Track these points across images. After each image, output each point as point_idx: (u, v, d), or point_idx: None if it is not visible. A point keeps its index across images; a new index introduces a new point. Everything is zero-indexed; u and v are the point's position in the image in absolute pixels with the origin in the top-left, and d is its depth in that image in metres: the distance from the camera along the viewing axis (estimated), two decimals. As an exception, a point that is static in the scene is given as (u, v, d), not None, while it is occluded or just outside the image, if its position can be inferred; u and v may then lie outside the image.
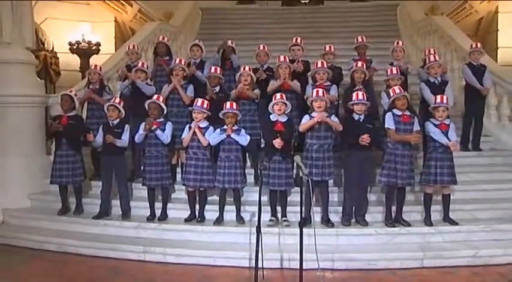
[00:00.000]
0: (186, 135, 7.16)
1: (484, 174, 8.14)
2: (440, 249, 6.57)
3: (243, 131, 7.11)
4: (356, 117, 6.97)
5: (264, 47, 8.51)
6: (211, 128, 7.14)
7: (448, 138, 6.84)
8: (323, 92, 6.94)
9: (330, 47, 8.57)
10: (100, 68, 8.53)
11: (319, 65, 7.71)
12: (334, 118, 6.96)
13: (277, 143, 6.74)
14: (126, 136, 7.38)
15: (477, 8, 13.88)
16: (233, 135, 6.99)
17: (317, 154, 6.84)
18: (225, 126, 7.03)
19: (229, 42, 8.85)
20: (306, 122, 6.88)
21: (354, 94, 7.01)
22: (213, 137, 7.05)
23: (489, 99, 9.16)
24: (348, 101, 7.20)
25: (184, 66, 8.10)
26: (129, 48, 9.03)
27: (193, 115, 7.14)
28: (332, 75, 7.83)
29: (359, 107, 6.92)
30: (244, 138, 7.06)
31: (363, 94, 6.96)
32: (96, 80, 8.30)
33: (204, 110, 7.09)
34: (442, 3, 14.54)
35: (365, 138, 6.71)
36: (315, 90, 6.99)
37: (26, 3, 8.84)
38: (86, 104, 8.53)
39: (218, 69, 8.04)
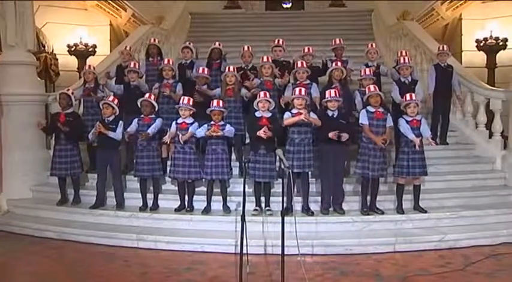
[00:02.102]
0: (173, 129, 7.08)
1: (450, 166, 8.18)
2: (410, 235, 6.60)
3: (228, 125, 7.03)
4: (330, 113, 6.93)
5: (248, 47, 8.43)
6: (196, 123, 7.08)
7: (420, 133, 6.86)
8: (304, 90, 6.91)
9: (308, 48, 8.50)
10: (93, 67, 8.49)
11: (299, 65, 7.65)
12: (312, 115, 6.90)
13: (263, 132, 6.67)
14: (119, 130, 7.29)
15: (443, 15, 13.96)
16: (220, 133, 6.90)
17: (298, 148, 6.80)
18: (212, 122, 6.97)
19: (217, 44, 8.75)
20: (288, 117, 6.83)
21: (327, 92, 6.99)
22: (199, 131, 6.96)
23: (455, 98, 9.17)
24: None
25: (172, 65, 8.06)
26: (125, 48, 8.97)
27: (180, 112, 7.09)
28: (311, 74, 7.78)
29: (332, 103, 6.90)
30: (229, 131, 6.97)
31: (335, 92, 6.95)
32: (91, 79, 8.23)
33: (190, 107, 7.04)
34: (412, 9, 14.58)
35: (332, 135, 6.69)
36: (296, 89, 6.95)
37: (28, 9, 8.76)
38: (82, 101, 8.44)
39: (206, 69, 7.97)
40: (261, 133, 6.70)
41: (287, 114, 6.91)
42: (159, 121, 7.25)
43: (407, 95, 6.98)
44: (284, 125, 6.84)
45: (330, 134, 6.70)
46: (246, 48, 8.42)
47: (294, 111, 6.85)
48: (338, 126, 6.82)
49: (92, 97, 8.08)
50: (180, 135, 6.93)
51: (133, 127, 7.21)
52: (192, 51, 8.76)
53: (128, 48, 9.00)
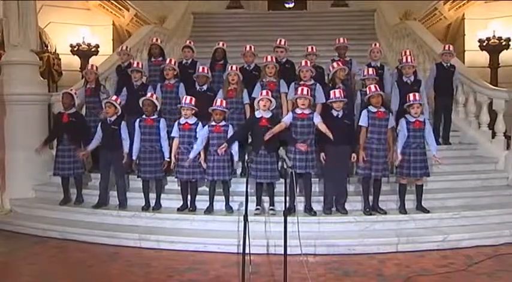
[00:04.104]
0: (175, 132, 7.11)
1: (453, 166, 8.14)
2: (413, 235, 6.59)
3: (230, 127, 7.03)
4: (335, 113, 6.92)
5: (250, 47, 8.30)
6: (200, 124, 7.08)
7: (423, 136, 6.88)
8: (307, 90, 6.87)
9: (312, 48, 8.43)
10: (96, 67, 8.46)
11: (303, 64, 7.60)
12: (316, 117, 6.88)
13: (301, 146, 6.66)
14: (125, 134, 7.31)
15: (446, 14, 13.92)
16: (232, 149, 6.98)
17: (301, 148, 6.78)
18: (212, 123, 6.98)
19: (221, 44, 8.72)
20: (288, 119, 6.82)
21: (332, 92, 6.96)
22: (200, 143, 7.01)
23: (457, 97, 9.18)
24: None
25: (174, 66, 8.03)
26: (121, 49, 8.92)
27: (182, 112, 7.08)
28: (315, 74, 7.75)
29: (337, 104, 6.88)
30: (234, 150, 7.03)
31: (339, 92, 6.92)
32: (92, 80, 8.22)
33: (192, 107, 7.03)
34: (415, 9, 14.56)
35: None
36: (299, 88, 6.92)
37: (31, 8, 8.78)
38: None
39: (206, 68, 7.93)
40: (299, 146, 6.65)
41: (289, 115, 6.89)
42: (163, 123, 7.25)
43: (411, 95, 6.94)
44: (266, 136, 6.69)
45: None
46: (248, 48, 8.31)
47: (298, 111, 6.84)
48: (342, 126, 6.83)
49: (99, 112, 8.02)
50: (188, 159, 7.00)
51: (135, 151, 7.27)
52: (193, 51, 8.72)
53: (125, 48, 8.95)
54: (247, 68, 8.23)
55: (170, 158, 7.22)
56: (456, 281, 5.42)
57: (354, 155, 6.92)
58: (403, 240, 6.46)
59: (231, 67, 7.71)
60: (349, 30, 13.21)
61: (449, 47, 8.86)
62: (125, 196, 7.44)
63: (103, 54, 13.13)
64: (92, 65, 8.55)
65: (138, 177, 7.33)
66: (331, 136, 6.67)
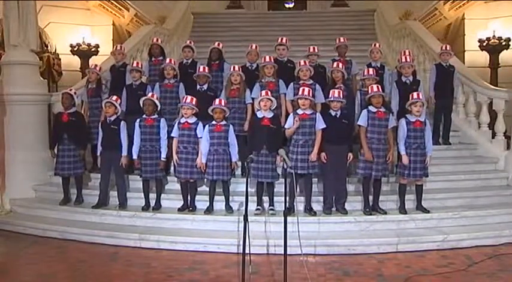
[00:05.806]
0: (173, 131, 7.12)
1: (453, 166, 8.16)
2: (413, 235, 6.59)
3: (231, 127, 7.03)
4: (333, 113, 6.92)
5: (256, 46, 8.27)
6: (200, 124, 7.06)
7: (422, 136, 6.86)
8: (308, 90, 6.86)
9: (313, 48, 8.42)
10: (100, 67, 8.42)
11: (302, 63, 7.59)
12: (320, 121, 6.83)
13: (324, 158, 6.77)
14: (124, 133, 7.31)
15: (446, 14, 13.92)
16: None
17: (302, 149, 6.77)
18: (213, 122, 6.98)
19: (216, 43, 8.70)
20: (289, 126, 6.82)
21: (331, 92, 6.96)
22: (204, 143, 7.01)
23: (457, 97, 9.16)
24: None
25: (174, 65, 8.02)
26: (115, 48, 8.87)
27: (182, 111, 7.08)
28: (315, 73, 7.73)
29: (335, 104, 6.88)
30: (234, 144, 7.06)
31: (338, 92, 6.92)
32: (93, 79, 8.18)
33: (193, 106, 7.02)
34: (415, 9, 14.57)
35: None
36: (300, 89, 6.91)
37: (31, 8, 8.78)
38: (85, 102, 8.40)
39: (206, 68, 7.92)
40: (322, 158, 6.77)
41: (290, 118, 6.89)
42: (163, 123, 7.24)
43: (415, 94, 6.93)
44: (287, 135, 6.83)
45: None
46: (253, 46, 8.27)
47: (299, 111, 6.82)
48: (340, 125, 6.83)
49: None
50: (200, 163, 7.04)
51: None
52: (193, 51, 8.69)
53: (118, 47, 8.89)
54: (250, 67, 8.20)
55: (166, 157, 7.25)
56: (456, 281, 5.42)
57: (350, 155, 6.92)
58: (403, 240, 6.45)
59: (233, 67, 7.69)
60: (349, 30, 13.22)
61: (446, 46, 8.85)
62: (125, 196, 7.44)
63: (103, 54, 13.11)
64: (96, 65, 8.49)
65: (140, 176, 7.32)
66: (322, 158, 6.81)
